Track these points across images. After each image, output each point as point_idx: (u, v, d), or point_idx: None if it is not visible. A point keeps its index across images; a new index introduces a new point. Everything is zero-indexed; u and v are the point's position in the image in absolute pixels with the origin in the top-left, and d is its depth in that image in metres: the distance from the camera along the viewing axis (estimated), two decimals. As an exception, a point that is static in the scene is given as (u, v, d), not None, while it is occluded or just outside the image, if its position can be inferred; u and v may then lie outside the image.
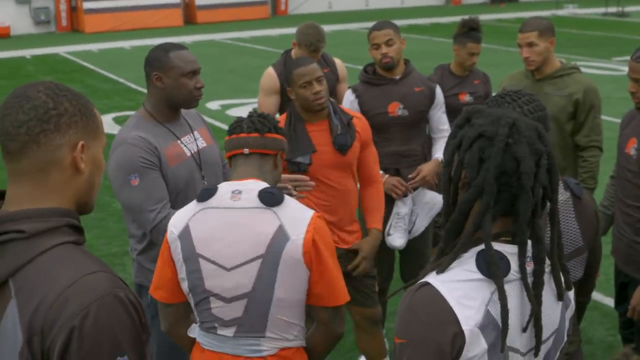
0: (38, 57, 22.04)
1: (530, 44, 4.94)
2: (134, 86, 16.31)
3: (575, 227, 3.11)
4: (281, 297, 2.85)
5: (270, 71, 6.01)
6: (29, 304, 1.80)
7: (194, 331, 3.06)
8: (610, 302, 5.63)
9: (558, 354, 2.25)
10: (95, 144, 1.99)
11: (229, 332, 2.92)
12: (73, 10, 29.91)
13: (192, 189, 3.74)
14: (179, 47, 3.80)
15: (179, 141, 3.79)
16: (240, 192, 2.90)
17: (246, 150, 3.01)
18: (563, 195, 3.12)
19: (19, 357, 1.79)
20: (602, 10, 30.91)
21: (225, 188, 2.94)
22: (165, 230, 3.57)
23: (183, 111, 3.91)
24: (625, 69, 5.14)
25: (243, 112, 13.27)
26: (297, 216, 2.87)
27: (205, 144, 3.93)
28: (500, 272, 2.01)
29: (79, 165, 1.93)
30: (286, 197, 2.92)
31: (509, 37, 21.83)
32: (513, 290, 2.05)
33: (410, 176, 5.08)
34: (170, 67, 3.70)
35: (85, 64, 20.38)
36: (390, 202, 5.02)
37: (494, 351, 2.00)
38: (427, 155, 5.30)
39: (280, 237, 2.82)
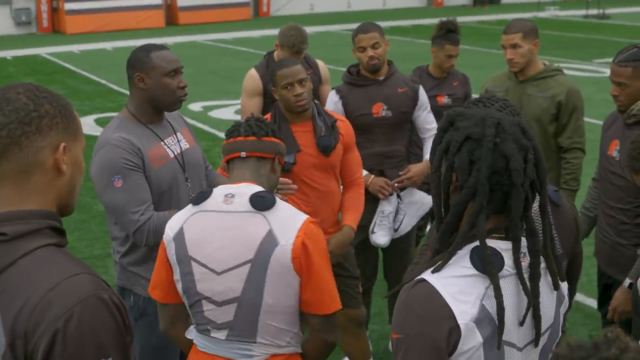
0: (19, 58, 21.90)
1: (515, 46, 4.96)
2: (115, 87, 16.25)
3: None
4: (270, 302, 2.83)
5: (253, 73, 6.01)
6: (12, 307, 1.78)
7: (192, 333, 3.05)
8: (592, 303, 5.65)
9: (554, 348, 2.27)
10: (76, 145, 1.99)
11: (222, 335, 2.92)
12: (54, 11, 29.76)
13: (176, 190, 3.74)
14: (160, 47, 3.79)
15: (162, 142, 3.77)
16: (233, 196, 2.89)
17: (243, 154, 3.00)
18: None
19: None
20: (583, 12, 31.06)
21: (219, 191, 2.93)
22: (148, 232, 3.56)
23: (165, 112, 3.89)
24: (607, 70, 5.16)
25: (225, 113, 13.26)
26: (287, 221, 2.85)
27: (188, 146, 3.92)
28: (495, 269, 2.05)
29: (61, 167, 1.93)
30: (279, 201, 2.90)
31: (491, 38, 21.90)
32: (508, 285, 2.09)
33: (400, 173, 5.10)
34: (152, 67, 3.68)
35: (66, 65, 20.27)
36: (375, 200, 5.04)
37: (490, 345, 2.04)
38: (410, 156, 5.32)
39: (269, 242, 2.80)
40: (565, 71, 5.34)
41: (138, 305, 3.77)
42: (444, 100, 5.92)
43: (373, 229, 5.07)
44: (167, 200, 3.70)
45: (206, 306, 2.90)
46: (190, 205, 2.97)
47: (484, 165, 2.04)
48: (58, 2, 29.22)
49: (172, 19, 31.02)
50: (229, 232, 2.85)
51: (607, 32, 24.84)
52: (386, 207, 5.09)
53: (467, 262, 2.08)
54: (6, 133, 1.86)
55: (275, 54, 6.02)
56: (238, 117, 11.42)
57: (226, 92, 15.16)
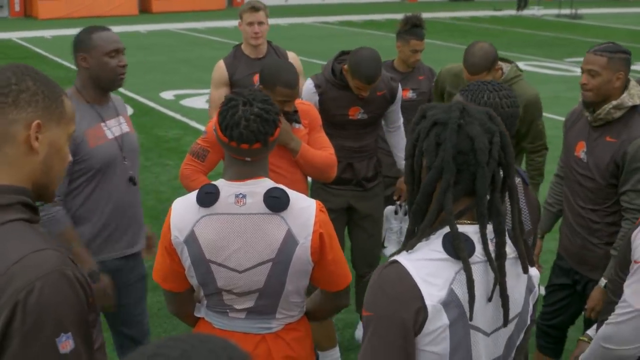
0: (-11, 42, 21.71)
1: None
2: (87, 74, 16.13)
3: (525, 211, 3.22)
4: (291, 289, 2.94)
5: (220, 64, 6.03)
6: None
7: (201, 311, 3.09)
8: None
9: (521, 336, 2.32)
10: (57, 129, 2.01)
11: (241, 315, 2.99)
12: (26, -5, 29.51)
13: (113, 169, 3.95)
14: (103, 28, 3.96)
15: (103, 123, 3.95)
16: (244, 196, 2.87)
17: (248, 159, 2.91)
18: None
19: None
20: (555, 11, 31.29)
21: (227, 191, 2.89)
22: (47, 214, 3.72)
23: (111, 96, 4.08)
24: (577, 69, 5.20)
25: (197, 102, 13.23)
26: (303, 217, 2.88)
27: (128, 130, 4.11)
28: (466, 255, 2.11)
29: (33, 144, 1.95)
30: (290, 194, 2.89)
31: (464, 35, 22.02)
32: (477, 271, 2.15)
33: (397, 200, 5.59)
34: (93, 47, 3.86)
35: (38, 50, 20.13)
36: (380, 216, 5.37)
37: (456, 327, 2.10)
38: (377, 150, 5.35)
39: (289, 242, 2.86)
40: (536, 69, 5.41)
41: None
42: (409, 94, 5.89)
43: (384, 243, 5.45)
44: (102, 176, 3.91)
45: (226, 296, 2.96)
46: (196, 206, 2.89)
47: (449, 145, 2.11)
48: (30, -14, 28.97)
49: (145, 7, 30.84)
50: (247, 235, 2.86)
51: (578, 32, 25.04)
52: (393, 224, 5.52)
53: (438, 246, 2.14)
54: None
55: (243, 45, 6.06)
56: (210, 107, 11.39)
57: (198, 81, 15.11)
